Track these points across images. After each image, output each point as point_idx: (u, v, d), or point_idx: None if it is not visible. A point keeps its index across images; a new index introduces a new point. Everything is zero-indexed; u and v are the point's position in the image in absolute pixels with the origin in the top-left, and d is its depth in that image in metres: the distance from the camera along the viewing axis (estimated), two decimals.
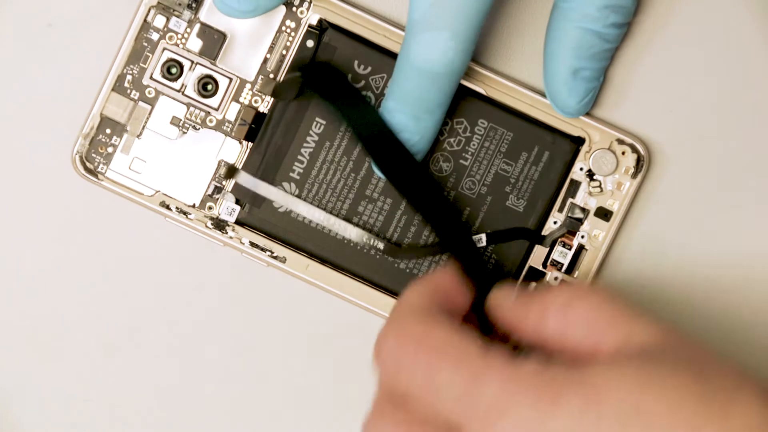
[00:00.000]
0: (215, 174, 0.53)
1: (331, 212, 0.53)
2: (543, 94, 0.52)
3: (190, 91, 0.52)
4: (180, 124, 0.53)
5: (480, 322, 0.48)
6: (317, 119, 0.52)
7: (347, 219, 0.53)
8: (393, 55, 0.52)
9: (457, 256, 0.50)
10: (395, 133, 0.50)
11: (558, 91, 0.51)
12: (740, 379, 0.43)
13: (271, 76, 0.52)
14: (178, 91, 0.52)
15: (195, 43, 0.52)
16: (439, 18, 0.48)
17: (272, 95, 0.52)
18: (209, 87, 0.52)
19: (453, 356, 0.43)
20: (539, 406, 0.41)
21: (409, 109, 0.50)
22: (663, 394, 0.42)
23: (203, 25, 0.52)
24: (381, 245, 0.52)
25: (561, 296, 0.45)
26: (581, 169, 0.53)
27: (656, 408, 0.42)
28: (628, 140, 0.52)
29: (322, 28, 0.52)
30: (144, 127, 0.53)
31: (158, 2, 0.52)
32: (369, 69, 0.52)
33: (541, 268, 0.53)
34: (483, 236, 0.52)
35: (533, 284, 0.52)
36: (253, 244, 0.53)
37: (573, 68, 0.50)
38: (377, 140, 0.50)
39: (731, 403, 0.42)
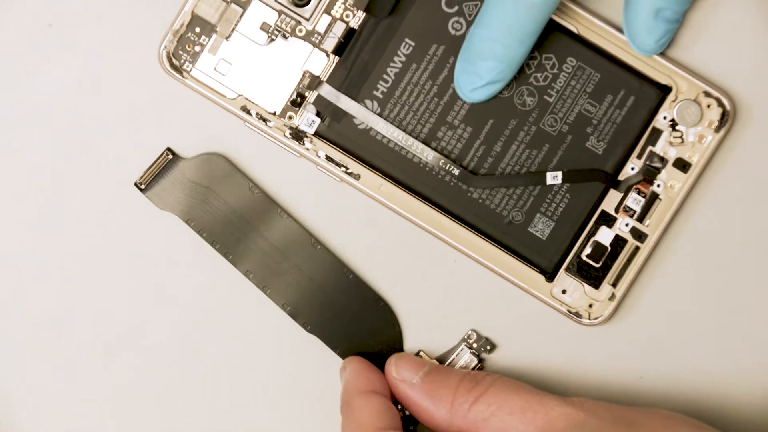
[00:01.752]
0: (299, 84, 0.53)
1: (410, 134, 0.52)
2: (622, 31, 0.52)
3: None
4: (270, 31, 0.53)
5: None
6: (407, 40, 0.52)
7: (425, 142, 0.52)
8: None
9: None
10: (482, 60, 0.50)
11: (637, 29, 0.51)
12: (668, 422, 0.47)
13: None
14: None
15: None
16: None
17: (365, 11, 0.52)
18: None
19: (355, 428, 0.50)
20: None
21: (499, 37, 0.50)
22: None
23: None
24: (456, 171, 0.52)
25: (473, 390, 0.50)
26: (665, 117, 0.52)
27: None
28: (715, 93, 0.52)
29: None
30: (234, 29, 0.53)
31: None
32: None
33: (613, 212, 0.52)
34: (559, 174, 0.52)
35: (426, 358, 0.53)
36: (329, 158, 0.53)
37: (656, 8, 0.50)
38: None
39: None
